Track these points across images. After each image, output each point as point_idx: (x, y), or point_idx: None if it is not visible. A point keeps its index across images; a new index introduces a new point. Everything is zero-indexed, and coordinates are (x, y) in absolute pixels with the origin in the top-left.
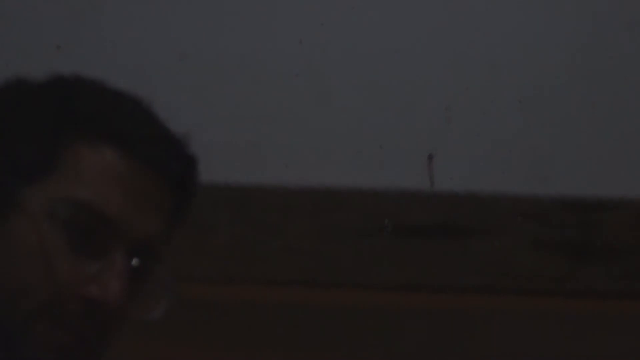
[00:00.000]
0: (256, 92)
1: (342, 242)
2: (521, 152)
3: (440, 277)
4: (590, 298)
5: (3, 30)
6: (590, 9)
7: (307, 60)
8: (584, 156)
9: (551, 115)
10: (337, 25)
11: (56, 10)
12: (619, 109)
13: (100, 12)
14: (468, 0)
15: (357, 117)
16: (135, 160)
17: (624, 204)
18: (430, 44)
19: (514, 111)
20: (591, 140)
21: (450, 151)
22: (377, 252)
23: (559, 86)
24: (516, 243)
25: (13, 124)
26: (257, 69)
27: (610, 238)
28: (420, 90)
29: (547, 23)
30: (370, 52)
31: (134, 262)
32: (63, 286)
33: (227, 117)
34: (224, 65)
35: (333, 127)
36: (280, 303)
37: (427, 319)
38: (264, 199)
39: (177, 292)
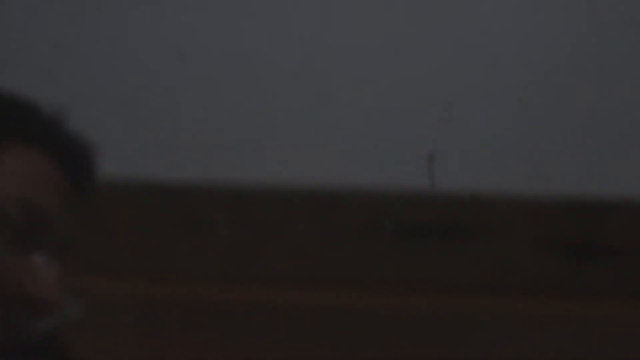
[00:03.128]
0: (255, 91)
1: (341, 242)
2: (522, 152)
3: (441, 278)
4: (592, 298)
5: (3, 30)
6: (592, 7)
7: (306, 59)
8: (585, 156)
9: (552, 115)
10: (336, 24)
11: (56, 10)
12: (620, 109)
13: (99, 12)
14: None
15: (357, 117)
16: (56, 159)
17: (625, 205)
18: (431, 44)
19: (514, 111)
20: (592, 140)
21: (451, 151)
22: (377, 252)
23: (560, 86)
24: (517, 243)
25: None
26: (256, 68)
27: (611, 238)
28: (421, 90)
29: (549, 22)
30: (370, 52)
31: (58, 256)
32: (3, 284)
33: (225, 116)
34: (222, 65)
35: (333, 126)
36: (279, 303)
37: (428, 320)
38: (263, 198)
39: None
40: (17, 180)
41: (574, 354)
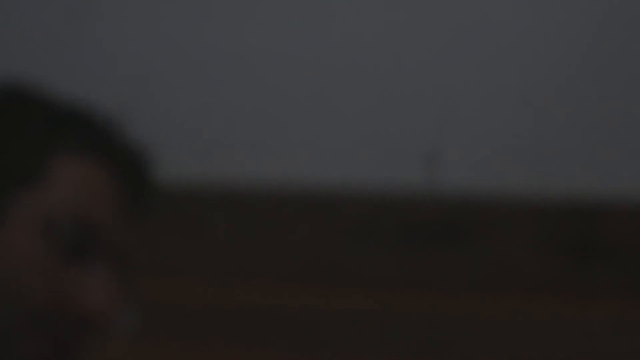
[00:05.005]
0: (253, 90)
1: (341, 243)
2: (523, 153)
3: (441, 278)
4: (592, 298)
5: (3, 30)
6: (595, 6)
7: (305, 59)
8: (586, 156)
9: (553, 114)
10: (334, 21)
11: (55, 9)
12: (623, 109)
13: (98, 12)
14: None
15: (356, 117)
16: (113, 169)
17: (625, 205)
18: (431, 43)
19: (515, 111)
20: (593, 141)
21: (451, 152)
22: (376, 252)
23: (562, 86)
24: (517, 244)
25: None
26: (254, 67)
27: (611, 239)
28: (421, 89)
29: (550, 20)
30: (369, 50)
31: (118, 270)
32: (54, 297)
33: (224, 116)
34: (221, 64)
35: (332, 126)
36: (277, 303)
37: (428, 320)
38: (262, 198)
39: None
40: (70, 190)
41: (574, 353)
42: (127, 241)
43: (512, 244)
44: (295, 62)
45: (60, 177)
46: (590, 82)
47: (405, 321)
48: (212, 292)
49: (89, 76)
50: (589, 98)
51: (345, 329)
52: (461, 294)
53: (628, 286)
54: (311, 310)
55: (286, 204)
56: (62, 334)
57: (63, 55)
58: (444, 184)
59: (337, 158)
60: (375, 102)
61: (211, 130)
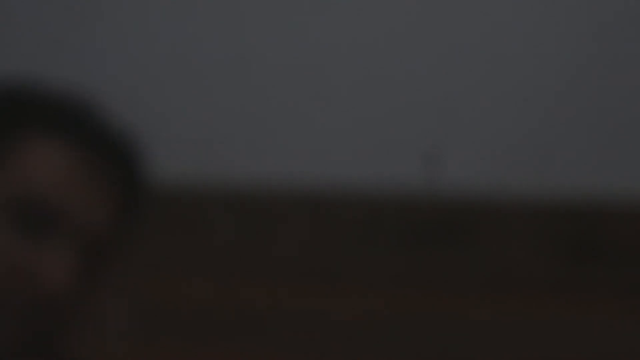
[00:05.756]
0: (253, 91)
1: (341, 243)
2: (523, 154)
3: (441, 277)
4: (592, 298)
5: (3, 30)
6: (597, 9)
7: (305, 60)
8: (587, 158)
9: (554, 116)
10: (335, 22)
11: (56, 10)
12: (623, 111)
13: (98, 12)
14: None
15: (356, 118)
16: (80, 152)
17: (627, 206)
18: (431, 45)
19: (516, 113)
20: (595, 142)
21: (451, 153)
22: (376, 253)
23: (563, 87)
24: (517, 244)
25: None
26: (254, 69)
27: (613, 240)
28: (421, 90)
29: (553, 24)
30: (371, 53)
31: (78, 245)
32: (12, 273)
33: (224, 117)
34: (221, 64)
35: (332, 127)
36: (277, 303)
37: (428, 319)
38: (262, 199)
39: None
40: (34, 171)
41: (574, 353)
42: (100, 225)
43: (512, 245)
44: (295, 62)
45: (25, 158)
46: (591, 84)
47: (406, 320)
48: (211, 292)
49: (88, 76)
50: (590, 100)
51: (345, 328)
52: (461, 294)
53: (628, 286)
54: (311, 310)
55: (286, 204)
56: (27, 313)
57: (63, 55)
58: (444, 184)
59: (337, 158)
60: (375, 103)
61: (211, 131)
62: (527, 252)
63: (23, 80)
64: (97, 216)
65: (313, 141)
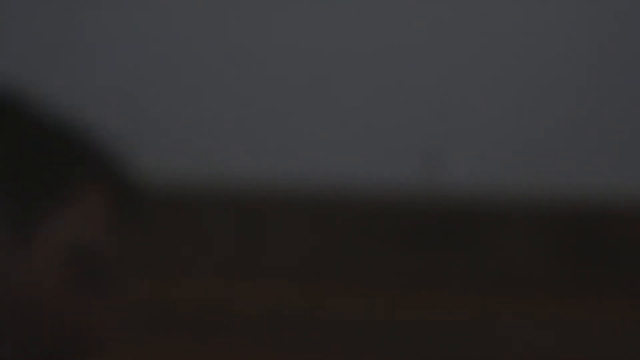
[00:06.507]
0: (252, 91)
1: (341, 243)
2: (524, 154)
3: (441, 277)
4: (593, 299)
5: (3, 30)
6: (595, 7)
7: (305, 59)
8: (588, 158)
9: (555, 116)
10: (336, 21)
11: (56, 6)
12: (624, 110)
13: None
14: None
15: (356, 118)
16: (115, 197)
17: (628, 207)
18: (431, 44)
19: (516, 113)
20: (595, 143)
21: (451, 153)
22: (376, 253)
23: (565, 88)
24: (518, 244)
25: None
26: (254, 68)
27: (614, 240)
28: (422, 90)
29: (553, 22)
30: (371, 52)
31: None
32: (64, 323)
33: (223, 117)
34: (221, 63)
35: (332, 126)
36: (277, 303)
37: (428, 319)
38: (261, 198)
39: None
40: (88, 218)
41: (574, 353)
42: (119, 259)
43: (513, 245)
44: (293, 62)
45: (81, 205)
46: (592, 84)
47: (406, 320)
48: (211, 292)
49: (88, 75)
50: (590, 100)
51: (345, 328)
52: (462, 294)
53: (629, 287)
54: (311, 310)
55: (285, 204)
56: (63, 352)
57: (63, 54)
58: (444, 184)
59: (337, 158)
60: (375, 103)
61: (209, 131)
62: (528, 252)
63: (52, 113)
64: (119, 251)
65: (312, 141)
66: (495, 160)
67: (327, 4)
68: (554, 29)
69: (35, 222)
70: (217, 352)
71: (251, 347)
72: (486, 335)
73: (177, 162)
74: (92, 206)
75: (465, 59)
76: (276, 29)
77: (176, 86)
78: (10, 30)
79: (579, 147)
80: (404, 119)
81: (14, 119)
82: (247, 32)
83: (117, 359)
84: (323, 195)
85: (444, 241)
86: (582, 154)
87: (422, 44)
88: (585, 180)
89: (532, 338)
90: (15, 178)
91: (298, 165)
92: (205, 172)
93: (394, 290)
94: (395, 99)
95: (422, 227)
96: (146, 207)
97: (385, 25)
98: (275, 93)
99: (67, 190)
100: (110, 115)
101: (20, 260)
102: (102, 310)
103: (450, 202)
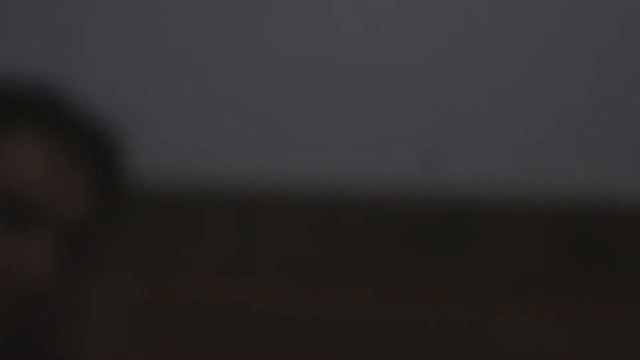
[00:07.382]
0: (251, 90)
1: (341, 242)
2: (524, 153)
3: (441, 278)
4: (593, 300)
5: (3, 28)
6: (596, 6)
7: (304, 58)
8: (588, 157)
9: (555, 116)
10: (335, 21)
11: (54, 9)
12: (624, 110)
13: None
14: None
15: (356, 117)
16: (59, 144)
17: (628, 206)
18: (431, 43)
19: (516, 112)
20: (595, 142)
21: (451, 152)
22: (376, 253)
23: (564, 86)
24: (518, 244)
25: None
26: (253, 68)
27: (614, 240)
28: (421, 89)
29: (553, 21)
30: (370, 51)
31: (60, 236)
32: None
33: (222, 115)
34: (221, 62)
35: (331, 126)
36: (276, 303)
37: (428, 320)
38: (260, 198)
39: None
40: (12, 165)
41: (575, 354)
42: (80, 215)
43: (512, 245)
44: (294, 61)
45: (5, 152)
46: (592, 82)
47: (406, 321)
48: (211, 291)
49: (88, 74)
50: (591, 99)
51: (345, 328)
52: (462, 294)
53: (629, 287)
54: (311, 310)
55: (285, 204)
56: (11, 307)
57: (62, 52)
58: (444, 184)
59: (337, 158)
60: (375, 102)
61: (208, 130)
62: (529, 252)
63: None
64: (76, 207)
65: (312, 140)
66: (495, 160)
67: (327, 4)
68: (554, 28)
69: None
70: (217, 352)
71: (251, 347)
72: (486, 335)
73: (176, 162)
74: (25, 151)
75: (465, 59)
76: (277, 28)
77: (176, 86)
78: (10, 29)
79: (579, 148)
80: (404, 118)
81: None
82: (247, 32)
83: (117, 359)
84: (323, 195)
85: (444, 241)
86: (583, 154)
87: (422, 44)
88: (586, 180)
89: (532, 338)
90: None
91: (298, 165)
92: (204, 172)
93: (394, 290)
94: (395, 98)
95: (422, 227)
96: (133, 193)
97: (385, 25)
98: (276, 93)
99: None
100: (109, 115)
101: None
102: (43, 259)
103: (451, 202)
